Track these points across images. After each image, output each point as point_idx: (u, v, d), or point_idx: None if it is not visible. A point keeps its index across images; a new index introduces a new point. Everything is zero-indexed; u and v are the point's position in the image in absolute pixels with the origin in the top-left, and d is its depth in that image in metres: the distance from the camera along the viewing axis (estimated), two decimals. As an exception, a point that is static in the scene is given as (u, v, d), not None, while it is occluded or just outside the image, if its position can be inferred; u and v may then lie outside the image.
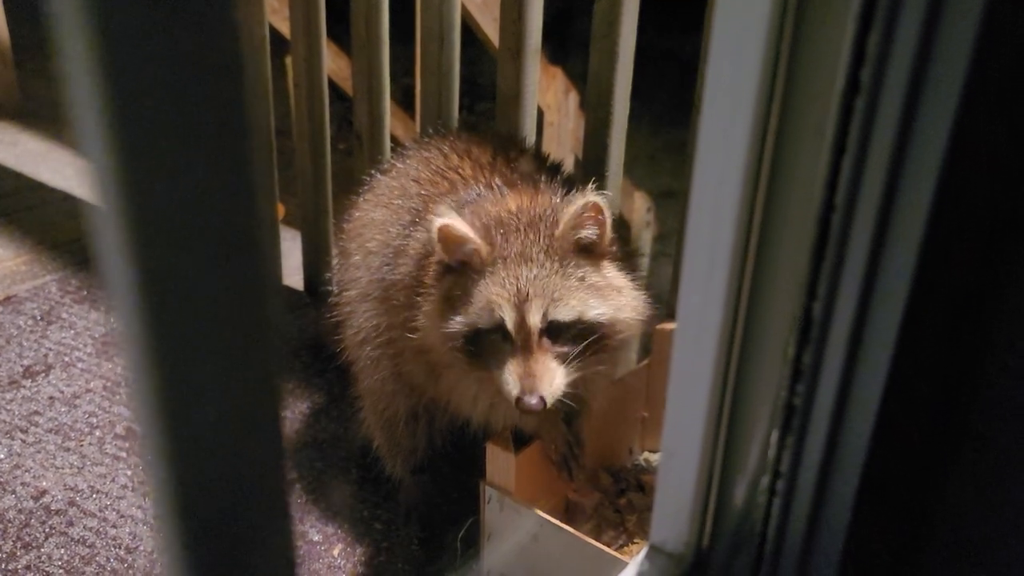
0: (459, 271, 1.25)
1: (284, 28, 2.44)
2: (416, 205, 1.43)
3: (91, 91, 0.27)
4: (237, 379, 0.33)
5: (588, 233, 1.22)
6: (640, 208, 2.97)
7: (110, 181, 0.28)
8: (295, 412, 1.89)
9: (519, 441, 1.41)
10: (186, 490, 0.33)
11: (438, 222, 1.22)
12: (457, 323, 1.24)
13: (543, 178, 1.39)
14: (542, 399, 1.18)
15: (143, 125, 0.28)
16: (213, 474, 0.34)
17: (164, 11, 0.27)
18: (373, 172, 1.69)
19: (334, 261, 1.69)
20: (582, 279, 1.23)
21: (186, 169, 0.30)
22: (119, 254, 0.29)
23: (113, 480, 1.67)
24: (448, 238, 1.23)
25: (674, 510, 0.76)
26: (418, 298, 1.30)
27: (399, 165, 1.58)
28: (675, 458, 0.74)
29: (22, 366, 1.96)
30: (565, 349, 1.22)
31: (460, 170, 1.46)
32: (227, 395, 0.33)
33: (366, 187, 1.65)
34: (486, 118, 1.99)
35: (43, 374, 1.94)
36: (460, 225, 1.22)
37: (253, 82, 0.30)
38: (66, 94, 0.28)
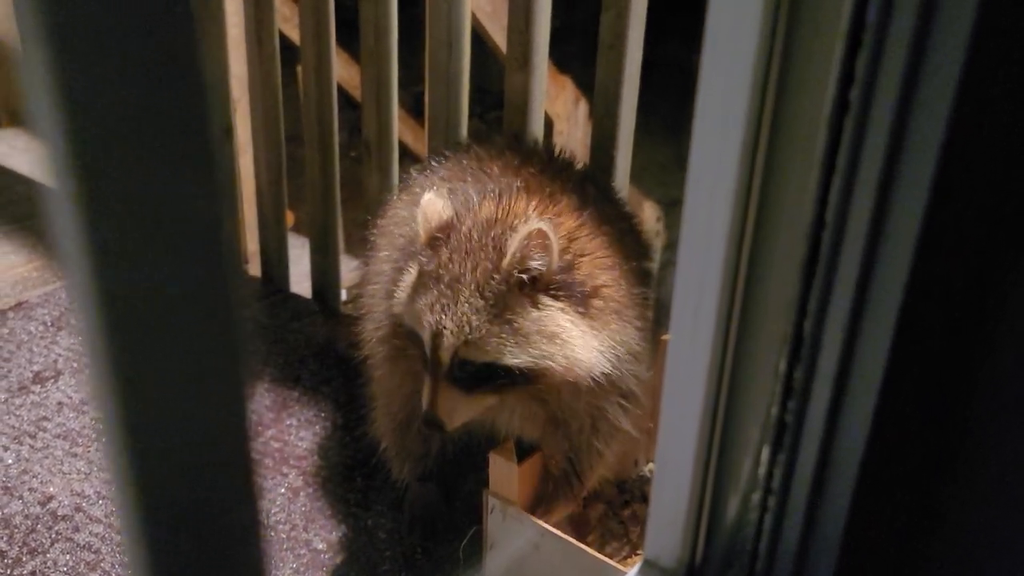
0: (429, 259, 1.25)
1: (296, 36, 2.45)
2: None
3: (45, 70, 0.27)
4: (200, 371, 0.33)
5: (535, 264, 1.16)
6: (650, 217, 2.97)
7: (64, 162, 0.28)
8: (300, 419, 1.90)
9: (522, 451, 1.41)
10: (146, 485, 0.33)
11: (424, 196, 1.25)
12: (403, 311, 1.27)
13: (548, 187, 1.36)
14: (441, 425, 1.23)
15: (98, 106, 0.28)
16: (175, 467, 0.34)
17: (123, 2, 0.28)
18: (410, 171, 1.68)
19: (362, 259, 1.69)
20: (509, 322, 1.17)
21: (143, 152, 0.30)
22: (73, 238, 0.29)
23: (110, 487, 1.68)
24: (423, 212, 1.24)
25: (667, 526, 0.76)
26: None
27: (434, 164, 1.58)
28: (668, 474, 0.74)
29: (32, 371, 1.98)
30: (474, 384, 1.22)
31: (488, 170, 1.44)
32: (189, 389, 0.33)
33: (401, 185, 1.67)
34: (496, 126, 2.00)
35: (52, 380, 1.96)
36: (437, 205, 1.24)
37: (209, 66, 0.30)
38: (22, 74, 0.28)
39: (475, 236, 1.21)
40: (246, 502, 0.36)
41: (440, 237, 1.22)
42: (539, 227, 1.14)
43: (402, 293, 1.28)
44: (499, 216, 1.24)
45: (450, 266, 1.19)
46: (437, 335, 1.19)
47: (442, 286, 1.18)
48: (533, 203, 1.28)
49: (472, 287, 1.17)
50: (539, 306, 1.19)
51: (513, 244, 1.16)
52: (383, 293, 1.46)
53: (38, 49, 0.27)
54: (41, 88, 0.27)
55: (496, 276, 1.17)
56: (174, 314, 0.32)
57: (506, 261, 1.16)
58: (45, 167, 0.29)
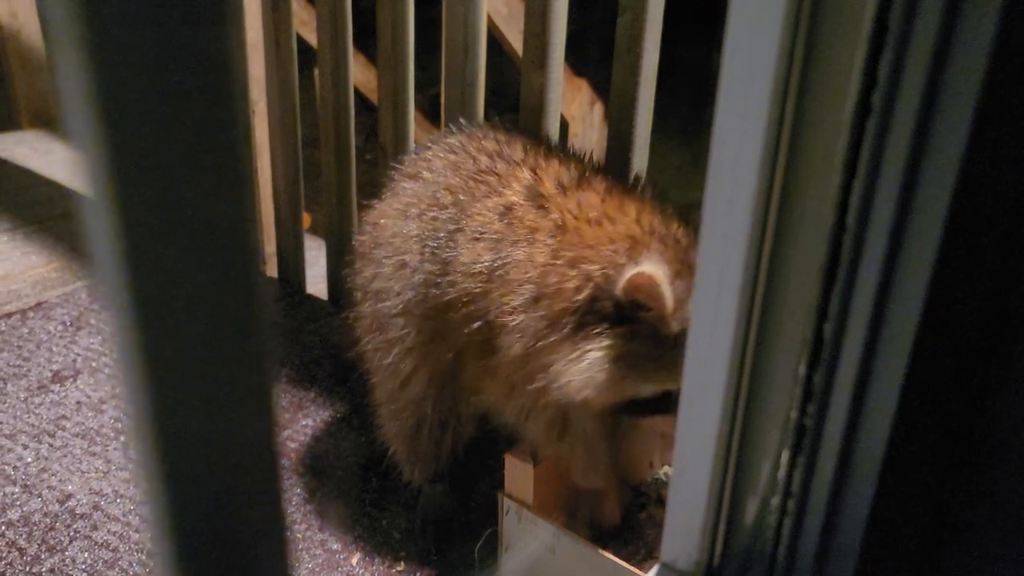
0: (636, 323, 1.13)
1: (314, 40, 2.46)
2: (453, 215, 1.39)
3: (80, 80, 0.28)
4: (227, 372, 0.34)
5: None
6: (665, 220, 2.96)
7: (99, 171, 0.29)
8: (316, 420, 1.91)
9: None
10: (175, 488, 0.34)
11: (636, 270, 1.10)
12: (649, 389, 1.17)
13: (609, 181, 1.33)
14: None
15: (132, 114, 0.29)
16: (202, 467, 0.35)
17: (156, 5, 0.28)
18: (393, 174, 1.62)
19: (355, 264, 1.65)
20: None
21: (175, 160, 0.30)
22: (108, 245, 0.30)
23: (137, 485, 1.69)
24: (640, 292, 1.11)
25: (685, 529, 0.76)
26: (549, 343, 1.18)
27: (426, 174, 1.51)
28: (686, 477, 0.74)
29: (51, 371, 1.99)
30: None
31: (494, 170, 1.40)
32: (216, 390, 0.34)
33: (388, 190, 1.60)
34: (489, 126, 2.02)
35: (71, 379, 1.97)
36: (663, 280, 1.10)
37: (242, 76, 0.30)
38: (57, 83, 0.29)
39: (687, 276, 1.15)
40: (271, 501, 0.36)
41: (667, 305, 1.12)
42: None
43: (604, 370, 1.15)
44: (680, 248, 1.19)
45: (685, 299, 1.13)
46: None
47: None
48: (668, 214, 1.27)
49: None
50: None
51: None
52: (395, 311, 1.44)
53: (74, 57, 0.27)
54: (77, 96, 0.28)
55: None
56: (202, 317, 0.32)
57: None
58: (80, 173, 0.29)
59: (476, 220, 1.33)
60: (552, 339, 1.17)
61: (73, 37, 0.27)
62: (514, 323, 1.21)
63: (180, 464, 0.33)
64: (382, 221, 1.54)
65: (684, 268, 1.14)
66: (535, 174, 1.35)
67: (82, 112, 0.28)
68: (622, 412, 1.24)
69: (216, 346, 0.33)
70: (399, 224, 1.49)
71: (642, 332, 1.14)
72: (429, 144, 1.62)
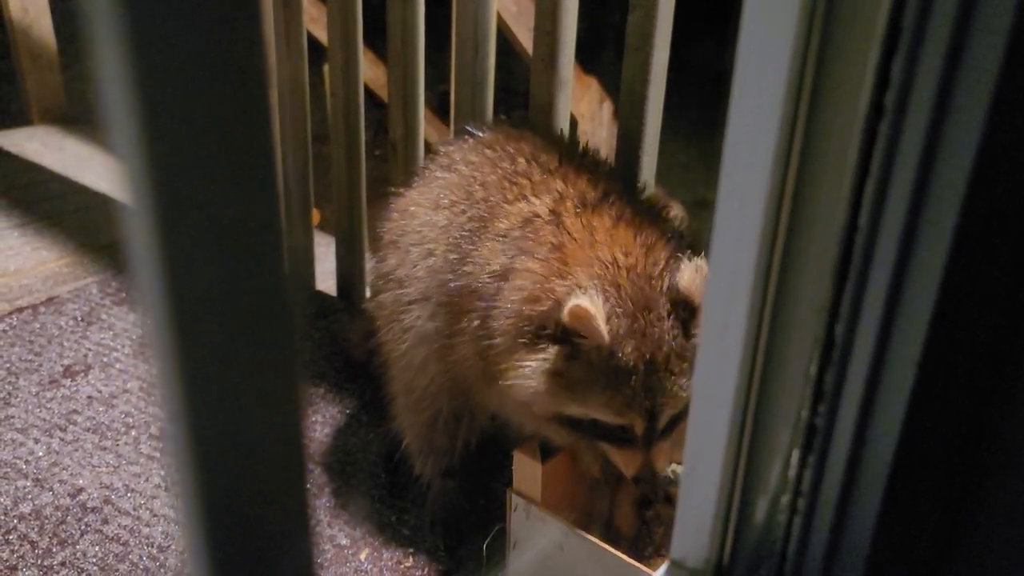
0: (575, 347, 1.20)
1: (323, 36, 2.47)
2: (482, 211, 1.41)
3: (122, 93, 0.28)
4: (259, 376, 0.35)
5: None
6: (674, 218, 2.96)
7: (139, 181, 0.30)
8: (325, 416, 1.92)
9: (547, 450, 1.42)
10: (206, 484, 0.35)
11: (574, 302, 1.16)
12: (575, 409, 1.24)
13: (632, 209, 1.34)
14: (656, 474, 1.28)
15: (172, 127, 0.30)
16: (233, 463, 0.35)
17: (192, 14, 0.28)
18: (426, 163, 1.63)
19: (379, 253, 1.66)
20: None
21: (212, 169, 0.31)
22: (147, 253, 0.31)
23: (147, 480, 1.70)
24: (577, 322, 1.17)
25: (695, 526, 0.76)
26: (517, 343, 1.25)
27: (462, 168, 1.52)
28: (697, 475, 0.75)
29: (62, 366, 2.01)
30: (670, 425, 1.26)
31: (530, 176, 1.42)
32: (249, 394, 0.34)
33: (420, 179, 1.62)
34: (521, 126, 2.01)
35: (82, 374, 1.98)
36: (597, 315, 1.16)
37: (275, 85, 0.31)
38: (99, 96, 0.30)
39: (643, 317, 1.20)
40: (299, 496, 0.37)
41: (600, 338, 1.19)
42: (703, 263, 1.20)
43: (539, 380, 1.23)
44: (650, 286, 1.23)
45: (638, 354, 1.19)
46: (653, 413, 1.22)
47: (638, 372, 1.19)
48: (661, 250, 1.28)
49: (672, 360, 1.20)
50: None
51: (696, 294, 1.20)
52: (415, 298, 1.45)
53: (115, 62, 0.28)
54: (117, 102, 0.28)
55: (687, 342, 1.21)
56: (235, 316, 0.32)
57: (694, 326, 1.21)
58: (122, 184, 0.30)
59: (503, 222, 1.35)
60: (511, 343, 1.25)
61: (114, 43, 0.28)
62: (504, 326, 1.28)
63: (211, 459, 0.34)
64: (411, 209, 1.56)
65: (637, 309, 1.20)
66: (564, 187, 1.37)
67: (123, 119, 0.29)
68: (562, 425, 1.30)
69: (248, 345, 0.34)
70: (429, 214, 1.50)
71: (581, 356, 1.21)
72: (466, 138, 1.63)
